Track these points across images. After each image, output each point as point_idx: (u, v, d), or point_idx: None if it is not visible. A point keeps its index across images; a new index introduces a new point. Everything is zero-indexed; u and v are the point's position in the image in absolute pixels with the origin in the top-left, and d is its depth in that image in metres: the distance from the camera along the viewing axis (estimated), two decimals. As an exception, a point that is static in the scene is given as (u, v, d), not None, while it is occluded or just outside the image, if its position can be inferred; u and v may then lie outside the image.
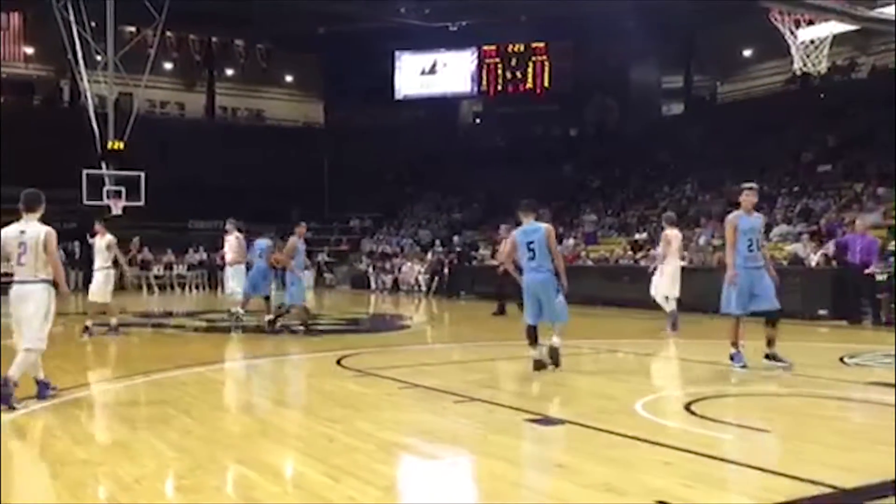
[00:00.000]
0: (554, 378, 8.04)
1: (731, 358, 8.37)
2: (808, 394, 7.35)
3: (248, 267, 14.10)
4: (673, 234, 12.36)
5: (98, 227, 12.75)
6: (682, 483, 4.38)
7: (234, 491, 4.50)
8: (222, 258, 14.72)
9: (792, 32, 11.78)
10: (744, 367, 8.24)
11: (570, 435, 5.75)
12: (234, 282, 14.27)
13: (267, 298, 13.80)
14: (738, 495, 4.31)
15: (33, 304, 6.63)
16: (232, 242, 14.27)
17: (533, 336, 8.44)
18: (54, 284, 6.76)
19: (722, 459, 4.85)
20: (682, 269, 12.61)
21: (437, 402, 6.91)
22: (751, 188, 8.55)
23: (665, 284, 12.30)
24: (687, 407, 6.43)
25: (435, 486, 4.69)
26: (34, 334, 6.62)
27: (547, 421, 6.05)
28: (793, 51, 12.24)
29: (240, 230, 14.45)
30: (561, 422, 6.07)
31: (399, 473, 4.95)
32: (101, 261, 12.41)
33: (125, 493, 4.30)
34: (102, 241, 12.45)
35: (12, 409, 6.31)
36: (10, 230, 6.82)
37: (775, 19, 11.57)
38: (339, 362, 9.43)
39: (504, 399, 6.84)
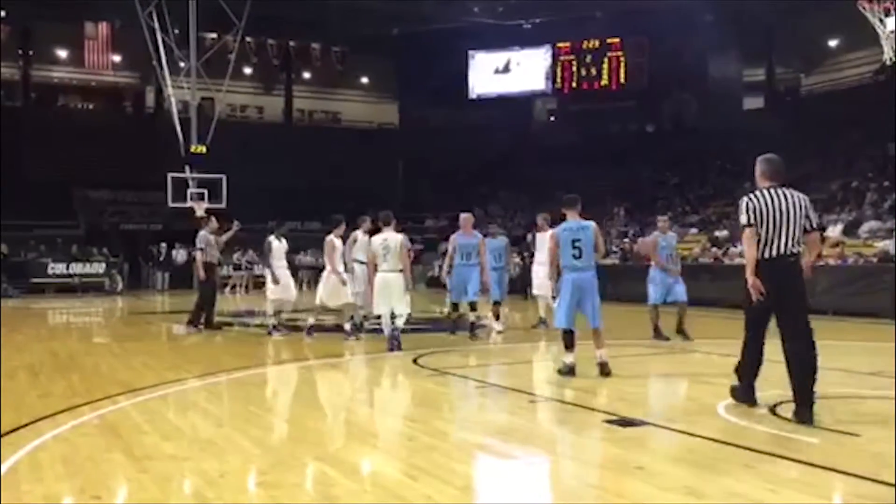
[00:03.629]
0: (631, 379, 7.93)
1: None
2: (900, 397, 7.06)
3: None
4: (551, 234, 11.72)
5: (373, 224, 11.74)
6: (766, 487, 4.27)
7: (313, 488, 4.58)
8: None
9: (881, 21, 11.31)
10: None
11: (649, 436, 5.66)
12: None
13: (497, 303, 12.77)
14: (823, 500, 4.18)
15: (396, 286, 10.13)
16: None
17: (570, 341, 7.99)
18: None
19: (808, 464, 4.70)
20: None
21: (514, 402, 6.90)
22: None
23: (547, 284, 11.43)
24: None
25: (512, 486, 4.68)
26: (403, 305, 10.26)
27: (625, 422, 5.96)
28: (882, 40, 11.73)
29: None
30: (639, 423, 5.98)
31: (476, 473, 4.96)
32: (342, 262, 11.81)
33: (210, 487, 4.43)
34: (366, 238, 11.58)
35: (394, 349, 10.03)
36: (377, 238, 10.29)
37: (863, 8, 11.13)
38: (415, 361, 9.50)
39: (581, 399, 6.78)
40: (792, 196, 6.14)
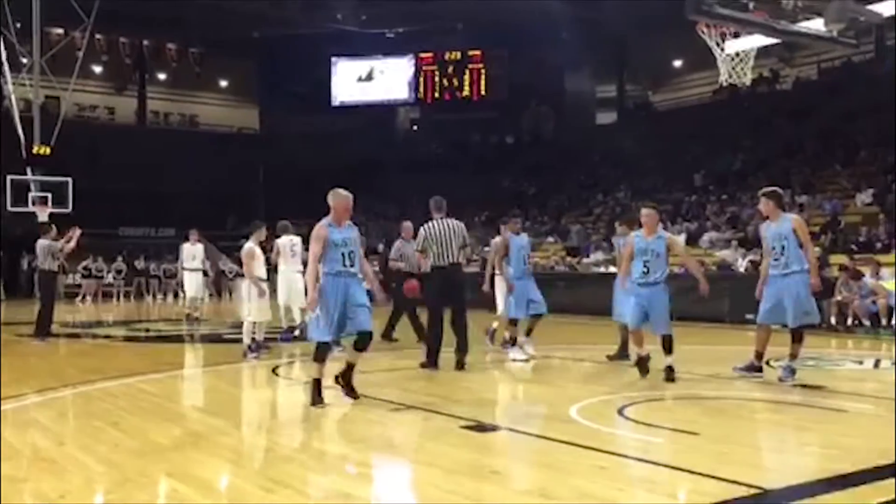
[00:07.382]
0: (489, 385, 8.10)
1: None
2: (737, 397, 7.55)
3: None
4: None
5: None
6: (614, 487, 4.46)
7: (164, 505, 4.41)
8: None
9: (718, 45, 12.06)
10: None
11: (505, 441, 5.80)
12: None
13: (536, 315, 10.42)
14: (667, 497, 4.40)
15: (301, 283, 10.65)
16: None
17: (638, 340, 8.59)
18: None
19: (653, 463, 4.94)
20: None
21: (374, 411, 6.89)
22: (769, 193, 8.31)
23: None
24: (620, 411, 6.54)
25: (370, 495, 4.67)
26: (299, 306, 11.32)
27: (482, 427, 6.07)
28: (719, 62, 12.52)
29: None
30: (496, 428, 6.11)
31: (334, 483, 4.91)
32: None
33: (50, 509, 4.18)
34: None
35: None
36: (284, 240, 11.63)
37: (702, 32, 11.83)
38: (274, 371, 9.33)
39: (440, 406, 6.85)
40: (452, 223, 8.94)
